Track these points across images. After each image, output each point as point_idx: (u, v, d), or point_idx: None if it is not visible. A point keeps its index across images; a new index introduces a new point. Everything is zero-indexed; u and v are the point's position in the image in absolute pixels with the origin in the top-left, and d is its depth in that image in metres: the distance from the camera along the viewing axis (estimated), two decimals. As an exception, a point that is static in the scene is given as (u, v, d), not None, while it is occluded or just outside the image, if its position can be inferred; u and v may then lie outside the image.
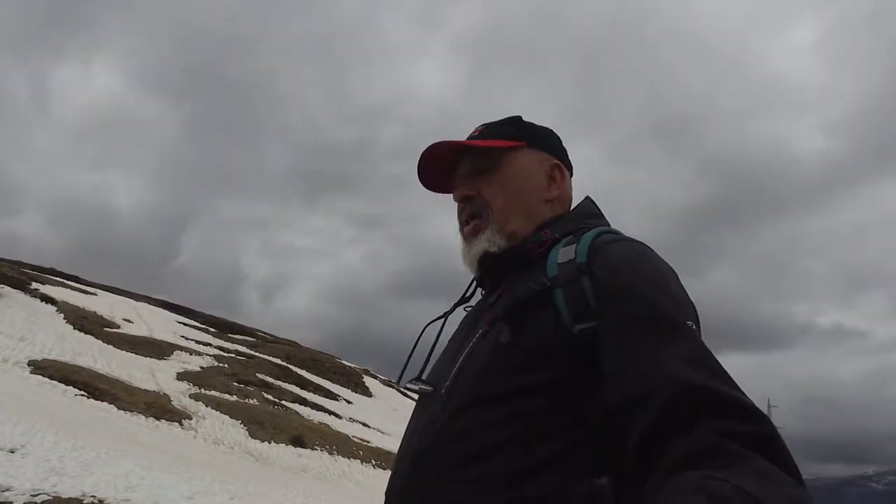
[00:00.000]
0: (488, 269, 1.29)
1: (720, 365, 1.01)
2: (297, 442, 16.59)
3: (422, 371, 1.32)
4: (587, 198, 1.38)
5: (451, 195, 1.38)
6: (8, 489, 6.33)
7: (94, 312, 25.68)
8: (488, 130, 1.34)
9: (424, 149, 1.33)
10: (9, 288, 22.68)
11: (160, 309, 38.84)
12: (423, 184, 1.39)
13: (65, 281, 34.92)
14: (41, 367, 14.44)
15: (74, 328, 21.31)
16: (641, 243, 1.20)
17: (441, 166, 1.35)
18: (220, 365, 24.06)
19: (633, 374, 1.01)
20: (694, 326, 1.06)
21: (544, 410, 1.08)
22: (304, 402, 22.99)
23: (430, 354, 1.36)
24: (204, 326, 36.89)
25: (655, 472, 0.92)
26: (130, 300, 37.84)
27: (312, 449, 16.83)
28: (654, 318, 1.05)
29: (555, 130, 1.40)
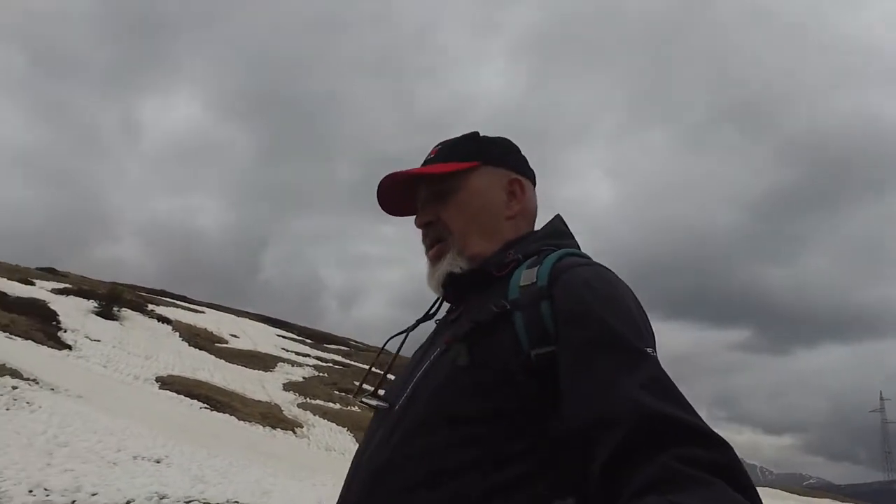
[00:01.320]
0: (452, 287, 1.27)
1: (679, 392, 1.00)
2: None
3: (377, 386, 1.32)
4: (557, 216, 1.35)
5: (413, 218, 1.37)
6: (164, 497, 7.00)
7: (205, 329, 27.44)
8: (444, 151, 1.33)
9: (381, 179, 1.33)
10: (129, 311, 24.62)
11: (260, 323, 40.88)
12: (385, 210, 1.39)
13: (175, 301, 37.43)
14: (167, 383, 15.66)
15: (190, 345, 22.89)
16: (604, 268, 1.18)
17: (400, 193, 1.35)
18: (320, 374, 25.13)
19: (591, 400, 0.99)
20: (653, 353, 1.05)
21: (504, 434, 1.06)
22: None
23: (387, 370, 1.36)
24: (300, 338, 38.51)
25: (620, 500, 0.92)
26: (233, 316, 40.07)
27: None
28: (613, 344, 1.03)
29: (512, 139, 1.39)
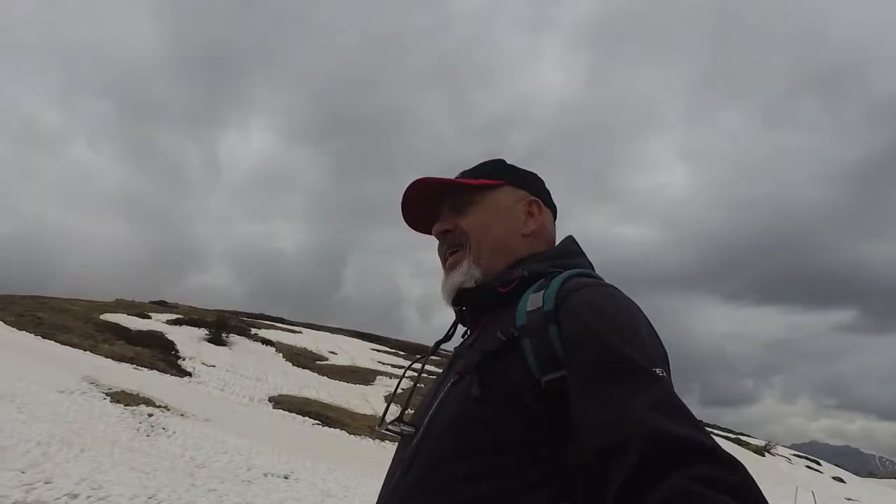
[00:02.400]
0: (465, 304, 1.29)
1: (689, 412, 1.00)
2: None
3: (402, 412, 1.31)
4: (568, 237, 1.35)
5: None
6: (298, 511, 7.42)
7: (305, 348, 28.60)
8: (471, 170, 1.37)
9: (409, 185, 1.35)
10: (236, 336, 26.03)
11: (353, 339, 42.10)
12: (407, 223, 1.41)
13: (273, 323, 39.21)
14: (280, 402, 16.47)
15: (293, 364, 23.93)
16: (612, 287, 1.17)
17: (424, 205, 1.37)
18: (419, 385, 25.55)
19: (602, 425, 1.01)
20: (664, 373, 1.04)
21: (520, 463, 1.07)
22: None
23: (409, 398, 1.37)
24: (394, 350, 39.34)
25: None
26: (328, 333, 41.53)
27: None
28: (621, 366, 1.04)
29: (537, 173, 1.41)
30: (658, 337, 1.13)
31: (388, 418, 1.30)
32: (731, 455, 0.95)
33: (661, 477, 0.94)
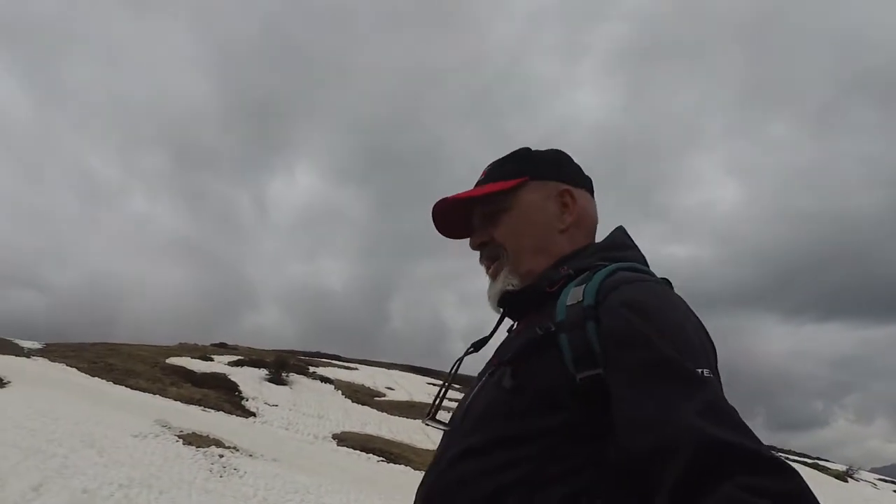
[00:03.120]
0: (510, 307, 1.28)
1: (738, 416, 0.94)
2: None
3: (436, 409, 1.32)
4: (619, 228, 1.30)
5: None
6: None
7: (363, 385, 28.73)
8: (493, 172, 1.33)
9: (434, 204, 1.34)
10: (295, 375, 26.37)
11: (409, 373, 42.11)
12: (442, 234, 1.40)
13: (330, 361, 39.61)
14: (343, 440, 16.50)
15: (353, 401, 24.04)
16: (658, 282, 1.13)
17: (455, 217, 1.36)
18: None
19: (646, 429, 0.95)
20: (710, 374, 0.99)
21: (546, 456, 1.03)
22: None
23: (443, 392, 1.35)
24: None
25: None
26: (383, 369, 41.66)
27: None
28: (665, 369, 0.98)
29: (564, 150, 1.36)
30: (706, 334, 1.08)
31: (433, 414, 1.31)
32: (784, 462, 0.88)
33: (712, 486, 0.88)
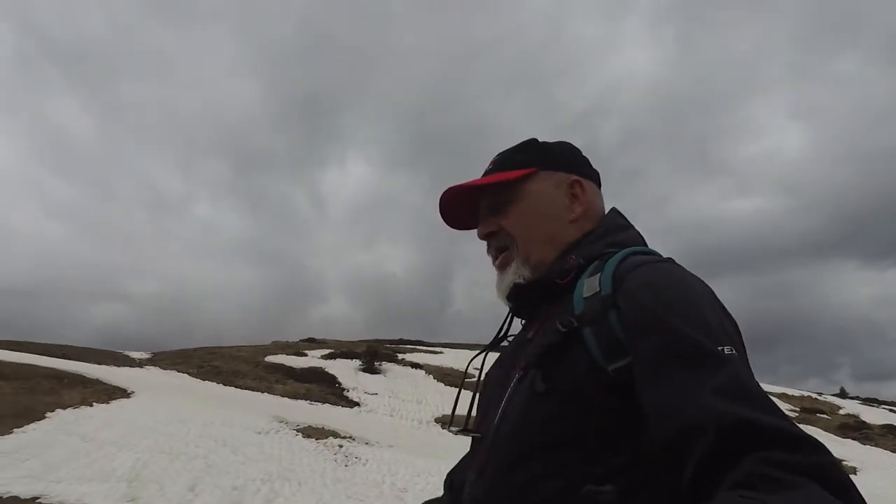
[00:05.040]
0: (521, 301, 1.23)
1: (762, 392, 0.91)
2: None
3: (468, 417, 1.27)
4: (612, 209, 1.29)
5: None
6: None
7: (452, 368, 29.01)
8: (501, 161, 1.30)
9: (441, 194, 1.31)
10: (386, 363, 26.92)
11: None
12: (449, 224, 1.37)
13: (415, 347, 40.25)
14: (447, 423, 16.69)
15: (446, 385, 24.32)
16: (670, 262, 1.09)
17: (463, 206, 1.33)
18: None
19: (670, 412, 0.92)
20: (733, 351, 0.95)
21: (591, 457, 1.00)
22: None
23: (473, 399, 1.30)
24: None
25: None
26: (466, 350, 41.99)
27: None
28: (686, 349, 0.95)
29: (572, 143, 1.33)
30: (724, 309, 1.06)
31: (456, 419, 1.28)
32: (809, 436, 0.85)
33: (734, 463, 0.85)
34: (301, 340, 35.74)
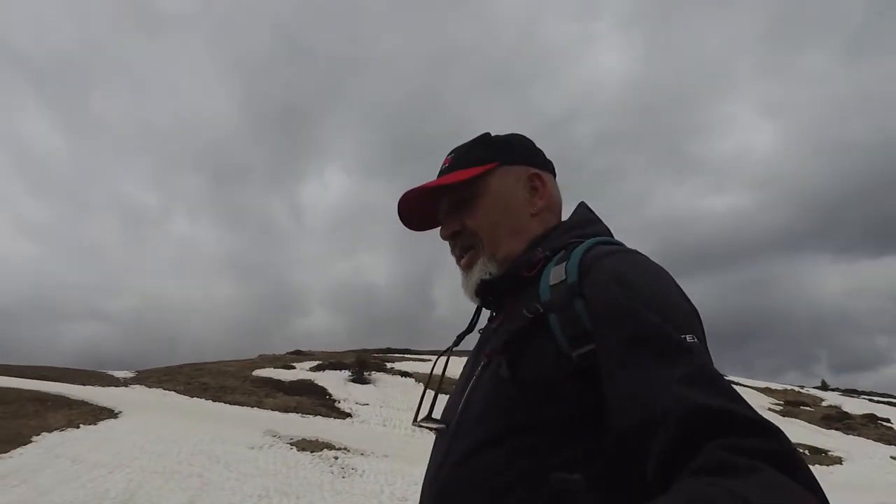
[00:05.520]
0: (488, 295, 1.24)
1: (724, 381, 0.92)
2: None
3: (431, 408, 1.27)
4: (581, 204, 1.29)
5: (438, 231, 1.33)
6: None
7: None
8: (458, 158, 1.30)
9: (400, 197, 1.30)
10: (375, 372, 26.74)
11: (480, 358, 42.25)
12: (407, 227, 1.37)
13: (403, 355, 40.08)
14: (441, 430, 16.59)
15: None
16: (636, 252, 1.11)
17: (421, 208, 1.32)
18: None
19: (636, 398, 0.93)
20: (695, 339, 0.96)
21: (555, 444, 1.00)
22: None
23: (436, 392, 1.31)
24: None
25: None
26: (457, 358, 41.90)
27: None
28: (650, 338, 0.96)
29: (525, 134, 1.33)
30: (687, 299, 1.07)
31: (422, 413, 1.26)
32: (769, 422, 0.86)
33: (697, 449, 0.85)
34: (288, 353, 35.37)
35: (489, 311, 1.29)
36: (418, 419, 1.25)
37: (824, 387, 46.93)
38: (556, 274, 1.09)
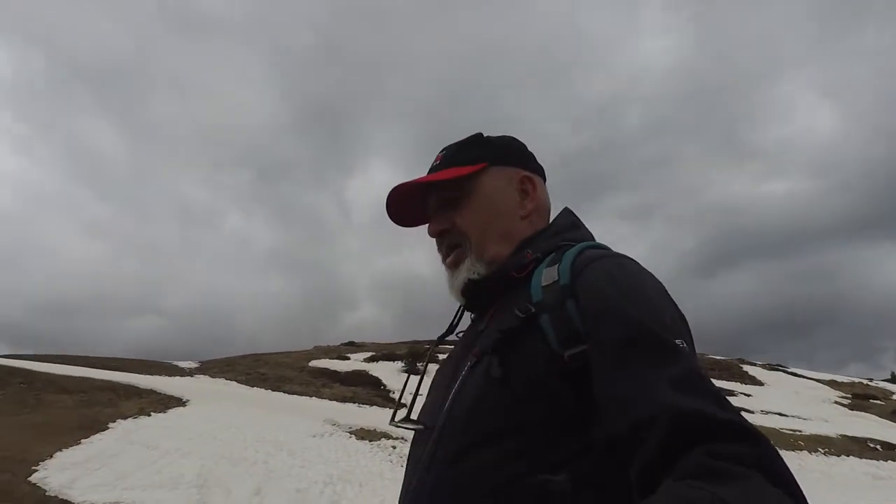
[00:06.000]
0: (474, 296, 1.22)
1: (712, 385, 0.93)
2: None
3: (410, 409, 1.23)
4: (565, 209, 1.30)
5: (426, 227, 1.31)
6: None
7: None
8: (449, 156, 1.28)
9: (389, 191, 1.28)
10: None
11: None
12: (395, 222, 1.35)
13: (451, 345, 40.37)
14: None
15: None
16: (626, 258, 1.11)
17: (410, 203, 1.31)
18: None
19: (626, 400, 0.93)
20: (684, 344, 0.97)
21: (545, 444, 1.00)
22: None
23: (416, 391, 1.29)
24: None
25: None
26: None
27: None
28: (641, 341, 0.96)
29: (517, 137, 1.33)
30: (675, 305, 1.08)
31: (399, 414, 1.24)
32: (755, 428, 0.87)
33: (684, 453, 0.86)
34: (342, 344, 36.06)
35: (471, 314, 1.29)
36: (396, 419, 1.24)
37: (894, 379, 44.81)
38: (548, 275, 1.10)
